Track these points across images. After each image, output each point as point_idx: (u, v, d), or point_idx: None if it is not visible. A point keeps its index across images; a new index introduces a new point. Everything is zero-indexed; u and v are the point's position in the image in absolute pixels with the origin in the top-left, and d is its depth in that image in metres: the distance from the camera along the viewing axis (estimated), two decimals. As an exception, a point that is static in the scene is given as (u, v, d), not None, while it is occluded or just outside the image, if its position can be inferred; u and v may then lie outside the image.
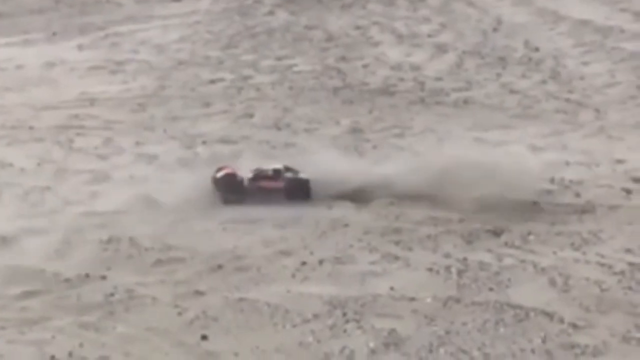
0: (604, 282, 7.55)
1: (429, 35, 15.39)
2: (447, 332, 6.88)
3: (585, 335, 6.83)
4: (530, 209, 8.93)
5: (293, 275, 7.75)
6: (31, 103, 12.35)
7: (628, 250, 8.09)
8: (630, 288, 7.47)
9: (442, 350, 6.68)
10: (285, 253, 8.12)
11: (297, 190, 9.17)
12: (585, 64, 13.77)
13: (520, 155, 10.19)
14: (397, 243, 8.28)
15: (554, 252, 8.06)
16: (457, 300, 7.29)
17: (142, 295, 7.44)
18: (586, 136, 10.95)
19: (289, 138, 10.97)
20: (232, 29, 16.02)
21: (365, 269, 7.82)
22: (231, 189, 9.16)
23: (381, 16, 16.69)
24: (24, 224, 8.66)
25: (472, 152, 9.99)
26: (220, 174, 9.24)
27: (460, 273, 7.72)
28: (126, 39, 15.57)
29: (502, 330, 6.90)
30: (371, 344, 6.74)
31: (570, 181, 9.51)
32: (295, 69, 13.74)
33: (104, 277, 7.73)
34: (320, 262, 7.94)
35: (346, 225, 8.65)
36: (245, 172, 9.30)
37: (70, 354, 6.69)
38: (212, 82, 13.19)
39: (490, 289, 7.46)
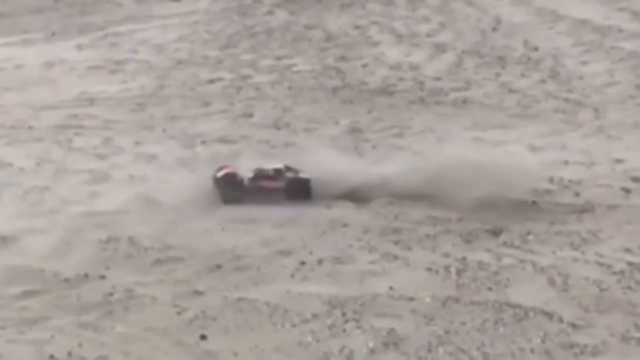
0: (603, 281, 7.55)
1: (428, 35, 15.40)
2: (446, 332, 6.88)
3: (585, 334, 6.83)
4: (529, 208, 8.93)
5: (292, 275, 7.75)
6: (30, 103, 12.35)
7: (627, 250, 8.09)
8: (629, 287, 7.47)
9: (441, 350, 6.68)
10: (285, 253, 8.12)
11: (297, 190, 9.16)
12: (584, 63, 13.78)
13: (519, 155, 10.20)
14: (396, 243, 8.28)
15: (553, 252, 8.06)
16: (456, 300, 7.29)
17: (141, 294, 7.44)
18: (585, 136, 10.95)
19: (288, 138, 10.97)
20: (231, 29, 16.03)
21: (364, 269, 7.82)
22: (231, 189, 9.16)
23: (380, 16, 16.70)
24: (23, 223, 8.66)
25: (471, 151, 10.00)
26: (220, 173, 9.24)
27: (459, 272, 7.72)
28: (125, 38, 15.57)
29: (501, 329, 6.90)
30: (370, 344, 6.75)
31: (570, 181, 9.51)
32: (295, 68, 13.75)
33: (103, 277, 7.73)
34: (320, 261, 7.94)
35: (345, 225, 8.65)
36: (245, 171, 9.29)
37: (69, 354, 6.69)
38: (211, 81, 13.19)
39: (489, 289, 7.46)
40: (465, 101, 12.28)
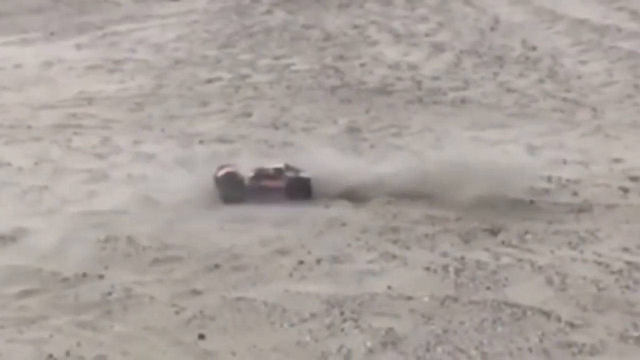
0: (601, 281, 7.56)
1: (427, 35, 15.42)
2: (445, 331, 6.88)
3: (583, 334, 6.83)
4: (527, 207, 8.94)
5: (290, 275, 7.75)
6: (29, 102, 12.36)
7: (625, 249, 8.09)
8: (627, 287, 7.47)
9: (439, 349, 6.68)
10: (283, 252, 8.12)
11: (298, 189, 9.16)
12: (582, 63, 13.80)
13: (517, 154, 10.21)
14: (394, 242, 8.29)
15: (551, 251, 8.06)
16: (455, 299, 7.30)
17: (140, 294, 7.44)
18: (583, 135, 10.96)
19: (287, 137, 10.97)
20: (229, 28, 16.04)
21: (362, 268, 7.83)
22: (232, 188, 9.16)
23: (379, 15, 16.72)
24: (21, 223, 8.66)
25: (470, 151, 10.01)
26: (221, 173, 9.24)
27: (457, 272, 7.72)
28: (124, 38, 15.59)
29: (499, 329, 6.91)
30: (368, 343, 6.75)
31: (568, 180, 9.52)
32: (293, 68, 13.76)
33: (101, 276, 7.73)
34: (318, 261, 7.95)
35: (344, 224, 8.65)
36: (246, 171, 9.29)
37: (67, 353, 6.69)
38: (210, 81, 13.20)
39: (488, 288, 7.46)
40: (463, 101, 12.29)
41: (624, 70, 13.34)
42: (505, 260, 7.92)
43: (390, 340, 6.78)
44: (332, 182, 9.14)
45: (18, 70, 13.93)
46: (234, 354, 6.68)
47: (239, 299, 7.35)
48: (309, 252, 8.08)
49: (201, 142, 10.78)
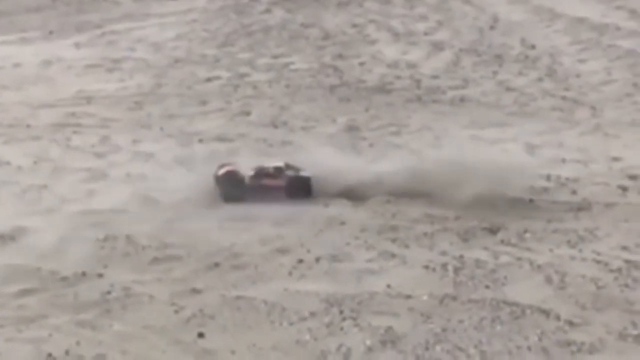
0: (600, 279, 7.56)
1: (426, 33, 15.42)
2: (444, 330, 6.89)
3: (582, 332, 6.84)
4: (526, 206, 8.94)
5: (290, 273, 7.75)
6: (28, 101, 12.36)
7: (624, 248, 8.10)
8: (626, 285, 7.48)
9: (438, 348, 6.69)
10: (282, 251, 8.12)
11: (298, 188, 9.16)
12: (581, 61, 13.80)
13: (516, 153, 10.22)
14: (393, 241, 8.29)
15: (550, 250, 8.07)
16: (454, 298, 7.30)
17: (139, 293, 7.44)
18: (582, 134, 10.97)
19: (286, 136, 10.97)
20: (228, 27, 16.04)
21: (361, 267, 7.83)
22: (233, 186, 9.15)
23: (377, 14, 16.72)
24: (20, 222, 8.66)
25: (469, 149, 10.01)
26: (222, 171, 9.24)
27: (456, 271, 7.72)
28: (123, 37, 15.58)
29: (498, 327, 6.91)
30: (368, 342, 6.75)
31: (567, 179, 9.52)
32: (292, 67, 13.76)
33: (100, 275, 7.73)
34: (317, 260, 7.95)
35: (343, 223, 8.65)
36: (246, 169, 9.29)
37: (67, 352, 6.69)
38: (209, 80, 13.20)
39: (487, 287, 7.47)
40: (462, 99, 12.29)
41: (622, 68, 13.35)
42: (504, 259, 7.92)
43: (390, 339, 6.78)
44: (331, 180, 9.15)
45: (17, 70, 13.92)
46: (233, 352, 6.68)
47: (238, 297, 7.35)
48: (309, 251, 8.09)
49: (200, 141, 10.78)
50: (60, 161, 10.24)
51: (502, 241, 8.24)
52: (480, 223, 8.55)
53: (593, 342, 6.71)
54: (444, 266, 7.80)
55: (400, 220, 8.68)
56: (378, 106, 11.98)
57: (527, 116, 11.61)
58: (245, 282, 7.62)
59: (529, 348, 6.67)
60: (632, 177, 9.58)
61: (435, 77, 13.20)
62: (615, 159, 10.05)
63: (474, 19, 16.30)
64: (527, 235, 8.35)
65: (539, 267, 7.76)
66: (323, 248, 8.14)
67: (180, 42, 15.13)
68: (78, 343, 6.78)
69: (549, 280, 7.56)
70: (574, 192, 9.24)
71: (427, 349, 6.67)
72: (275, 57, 14.22)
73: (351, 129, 11.18)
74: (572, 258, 7.92)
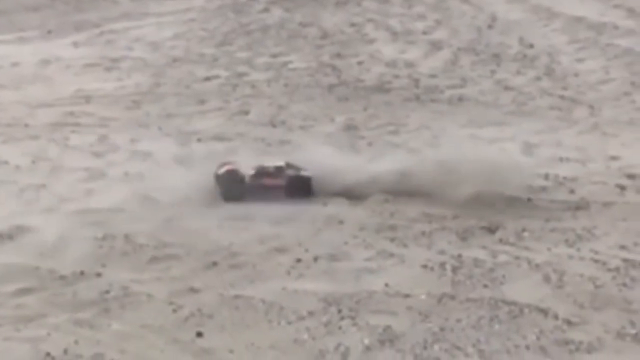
0: (598, 278, 7.57)
1: (424, 32, 15.42)
2: (442, 329, 6.89)
3: (580, 331, 6.84)
4: (524, 205, 8.95)
5: (288, 272, 7.76)
6: (26, 100, 12.35)
7: (622, 247, 8.10)
8: (624, 284, 7.49)
9: (436, 347, 6.69)
10: (280, 250, 8.12)
11: (298, 187, 9.15)
12: (579, 60, 13.80)
13: (514, 152, 10.22)
14: (392, 240, 8.29)
15: (548, 249, 8.07)
16: (452, 297, 7.30)
17: (137, 292, 7.44)
18: (580, 133, 10.97)
19: (284, 135, 10.97)
20: (226, 26, 16.03)
21: (360, 266, 7.83)
22: (233, 185, 9.15)
23: (376, 13, 16.71)
24: (19, 221, 8.66)
25: (467, 149, 10.01)
26: (222, 170, 9.23)
27: (454, 270, 7.73)
28: (121, 36, 15.57)
29: (496, 326, 6.91)
30: (366, 341, 6.75)
31: (565, 178, 9.53)
32: (290, 66, 13.76)
33: (99, 275, 7.73)
34: (315, 259, 7.95)
35: (341, 222, 8.65)
36: (246, 168, 9.28)
37: (65, 351, 6.69)
38: (207, 79, 13.20)
39: (485, 286, 7.47)
40: (460, 98, 12.29)
41: (620, 67, 13.36)
42: (502, 258, 7.93)
43: (388, 338, 6.78)
44: (329, 180, 9.15)
45: (15, 69, 13.91)
46: (231, 351, 6.68)
47: (236, 296, 7.35)
48: (307, 250, 8.09)
49: (199, 140, 10.78)
50: (59, 160, 10.24)
51: (500, 240, 8.25)
52: (478, 222, 8.55)
53: (591, 341, 6.72)
54: (442, 265, 7.81)
55: (398, 219, 8.68)
56: (376, 105, 11.98)
57: (525, 115, 11.62)
58: (243, 281, 7.62)
59: (527, 347, 6.67)
60: (630, 176, 9.58)
61: (433, 76, 13.20)
62: (613, 158, 10.06)
63: (472, 18, 16.30)
64: (525, 234, 8.35)
65: (537, 266, 7.77)
66: (321, 247, 8.14)
67: (178, 41, 15.12)
68: (76, 342, 6.78)
69: (547, 279, 7.56)
70: (572, 191, 9.25)
71: (425, 348, 6.67)
72: (274, 56, 14.21)
73: (349, 128, 11.18)
74: (570, 257, 7.92)
